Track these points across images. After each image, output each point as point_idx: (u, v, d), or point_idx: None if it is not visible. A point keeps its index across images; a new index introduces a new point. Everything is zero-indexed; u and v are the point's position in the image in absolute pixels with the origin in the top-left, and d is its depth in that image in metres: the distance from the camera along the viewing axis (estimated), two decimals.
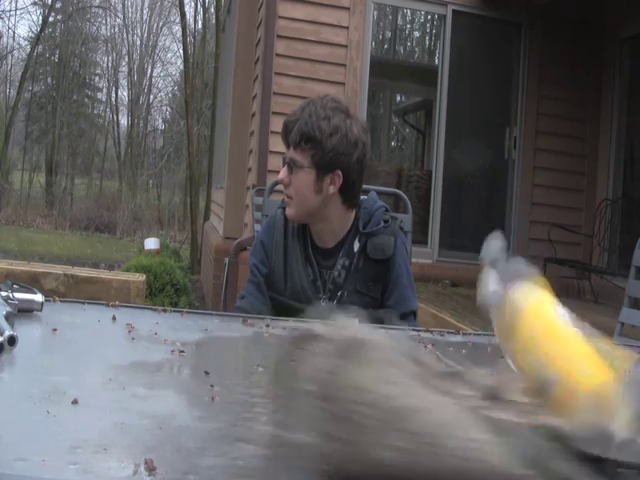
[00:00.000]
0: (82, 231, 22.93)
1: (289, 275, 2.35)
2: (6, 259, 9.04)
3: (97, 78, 30.07)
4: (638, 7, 6.80)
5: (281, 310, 2.36)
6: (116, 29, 29.08)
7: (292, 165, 2.26)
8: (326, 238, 2.35)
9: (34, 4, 27.68)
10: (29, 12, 39.70)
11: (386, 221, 2.34)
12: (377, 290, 2.31)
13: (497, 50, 8.04)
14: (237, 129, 8.32)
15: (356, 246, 2.31)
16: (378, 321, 2.34)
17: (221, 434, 0.90)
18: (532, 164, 7.73)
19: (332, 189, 2.24)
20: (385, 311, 2.36)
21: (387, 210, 2.39)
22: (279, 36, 6.97)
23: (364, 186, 2.41)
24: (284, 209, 2.39)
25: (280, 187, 2.46)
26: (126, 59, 28.92)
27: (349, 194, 2.29)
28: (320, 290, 2.32)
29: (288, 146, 2.30)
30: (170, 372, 1.18)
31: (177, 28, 25.32)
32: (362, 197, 2.40)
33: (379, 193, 2.55)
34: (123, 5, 28.82)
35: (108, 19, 29.09)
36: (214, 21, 19.77)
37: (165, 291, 8.92)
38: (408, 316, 2.33)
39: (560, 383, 0.82)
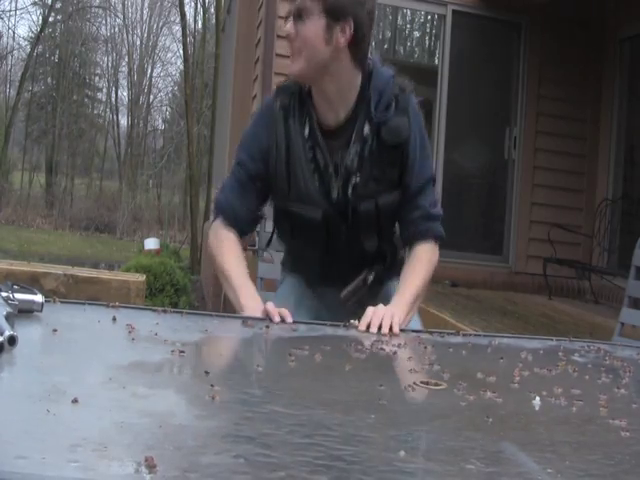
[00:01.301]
0: (82, 231, 22.92)
1: (293, 175, 2.22)
2: (6, 259, 9.04)
3: (97, 78, 30.07)
4: (638, 7, 6.80)
5: (285, 217, 2.31)
6: (116, 29, 29.09)
7: (300, 15, 2.13)
8: (334, 105, 2.21)
9: (34, 4, 27.69)
10: (29, 12, 39.69)
11: (396, 96, 2.21)
12: (393, 173, 2.22)
13: (497, 50, 8.03)
14: (237, 129, 8.32)
15: (366, 129, 2.20)
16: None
17: (221, 433, 0.90)
18: (532, 164, 7.73)
19: (342, 40, 2.12)
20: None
21: (394, 76, 2.25)
22: (279, 36, 6.97)
23: None
24: (278, 97, 2.26)
25: None
26: (126, 59, 28.93)
27: (359, 49, 2.17)
28: (332, 177, 2.22)
29: None
30: (170, 372, 1.18)
31: (177, 28, 25.30)
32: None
33: None
34: (123, 5, 28.82)
35: (108, 19, 29.10)
36: (214, 21, 19.76)
37: (165, 291, 8.92)
38: (426, 186, 2.26)
39: None
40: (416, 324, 2.30)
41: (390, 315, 1.93)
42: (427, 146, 2.30)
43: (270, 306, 1.94)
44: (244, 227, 2.34)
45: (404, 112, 2.21)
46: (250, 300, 2.09)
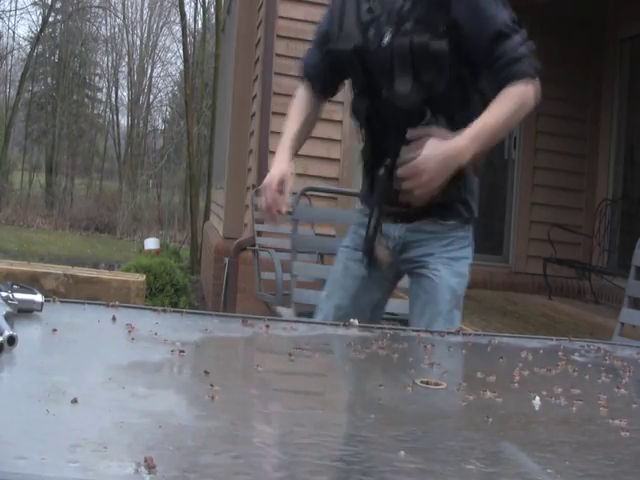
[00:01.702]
0: (82, 231, 22.92)
1: (344, 18, 2.34)
2: (6, 259, 9.04)
3: (97, 78, 30.08)
4: (638, 7, 6.80)
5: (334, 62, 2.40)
6: (116, 29, 29.10)
7: None
8: None
9: (34, 4, 27.70)
10: (29, 12, 39.72)
11: None
12: (441, 20, 2.20)
13: None
14: (237, 129, 8.32)
15: None
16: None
17: (221, 433, 0.90)
18: (532, 164, 7.73)
19: None
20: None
21: None
22: (279, 36, 6.96)
23: (341, 189, 2.42)
24: None
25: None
26: (126, 59, 28.93)
27: None
28: (383, 24, 2.24)
29: None
30: (170, 372, 1.18)
31: (177, 28, 25.30)
32: None
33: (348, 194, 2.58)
34: (123, 5, 28.83)
35: (108, 19, 29.12)
36: (214, 21, 19.75)
37: (165, 291, 8.92)
38: (500, 33, 2.20)
39: None
40: (457, 317, 2.36)
41: (421, 175, 2.08)
42: None
43: (269, 181, 2.26)
44: (326, 85, 2.51)
45: None
46: (273, 168, 2.35)
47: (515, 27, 2.24)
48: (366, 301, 2.46)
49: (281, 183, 2.31)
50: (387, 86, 2.26)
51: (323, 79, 2.48)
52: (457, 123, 2.21)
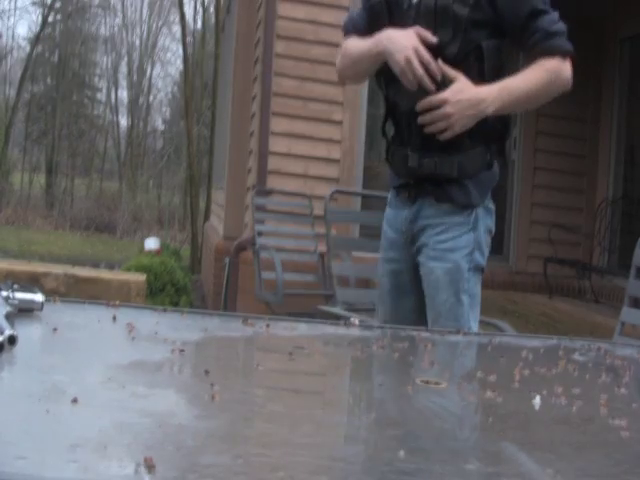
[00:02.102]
0: (82, 231, 22.90)
1: None
2: (6, 259, 9.05)
3: (97, 78, 30.09)
4: (638, 7, 6.80)
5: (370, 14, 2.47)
6: (115, 29, 29.12)
7: None
8: None
9: (33, 4, 27.73)
10: (28, 12, 39.63)
11: None
12: None
13: None
14: (237, 129, 8.32)
15: None
16: None
17: (221, 433, 0.90)
18: (532, 164, 7.73)
19: None
20: None
21: None
22: (279, 36, 6.96)
23: (364, 191, 2.47)
24: None
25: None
26: (125, 59, 28.94)
27: None
28: None
29: None
30: (170, 371, 1.18)
31: (177, 28, 25.31)
32: None
33: (380, 198, 2.60)
34: (122, 5, 28.84)
35: (107, 19, 29.13)
36: (214, 21, 19.76)
37: (165, 291, 8.92)
38: (537, 10, 2.28)
39: None
40: (463, 312, 2.33)
41: (440, 117, 2.18)
42: None
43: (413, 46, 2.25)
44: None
45: None
46: (401, 39, 2.29)
47: (549, 6, 2.30)
48: (406, 310, 2.49)
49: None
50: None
51: (361, 33, 2.49)
52: None
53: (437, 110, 2.23)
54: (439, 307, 2.34)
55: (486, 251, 2.42)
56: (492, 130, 2.36)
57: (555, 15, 2.29)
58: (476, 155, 2.35)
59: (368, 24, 2.47)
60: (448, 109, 2.20)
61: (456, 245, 2.34)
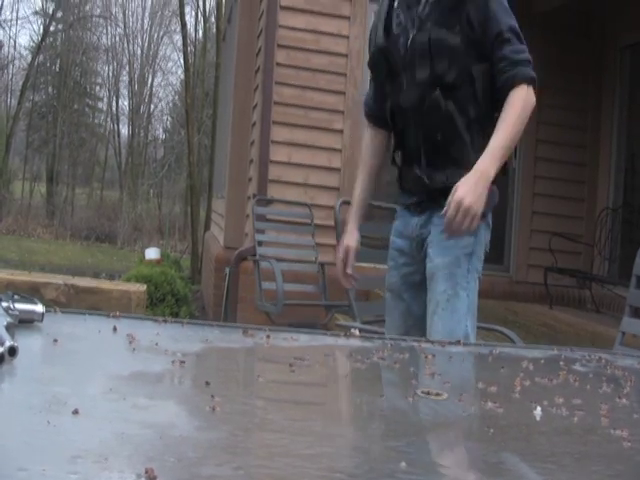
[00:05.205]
0: (83, 241, 22.91)
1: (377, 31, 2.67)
2: (7, 269, 9.05)
3: (98, 87, 30.15)
4: (638, 15, 6.81)
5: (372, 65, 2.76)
6: (117, 38, 29.18)
7: None
8: None
9: (35, 13, 27.80)
10: (30, 22, 39.83)
11: None
12: (456, 21, 2.46)
13: None
14: (238, 138, 8.33)
15: None
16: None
17: (222, 444, 0.90)
18: (532, 173, 7.73)
19: None
20: None
21: None
22: (279, 45, 6.98)
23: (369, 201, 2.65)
24: None
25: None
26: (127, 68, 28.99)
27: None
28: (409, 28, 2.54)
29: None
30: (171, 382, 1.18)
31: (178, 37, 25.35)
32: None
33: (380, 208, 2.75)
34: (124, 14, 28.92)
35: (109, 28, 29.20)
36: (215, 30, 19.79)
37: (166, 301, 8.91)
38: (505, 37, 2.46)
39: None
40: (460, 307, 2.46)
41: (464, 214, 2.29)
42: (502, 2, 2.50)
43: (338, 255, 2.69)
44: (381, 113, 2.73)
45: None
46: (344, 238, 2.75)
47: (518, 35, 2.48)
48: (413, 322, 2.65)
49: (346, 257, 2.72)
50: (408, 78, 2.53)
51: (376, 110, 2.76)
52: (468, 113, 2.49)
53: (459, 217, 2.34)
54: (438, 296, 2.47)
55: (482, 262, 2.58)
56: None
57: (522, 44, 2.48)
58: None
59: (380, 98, 2.73)
60: (465, 203, 2.31)
61: (457, 243, 2.48)
